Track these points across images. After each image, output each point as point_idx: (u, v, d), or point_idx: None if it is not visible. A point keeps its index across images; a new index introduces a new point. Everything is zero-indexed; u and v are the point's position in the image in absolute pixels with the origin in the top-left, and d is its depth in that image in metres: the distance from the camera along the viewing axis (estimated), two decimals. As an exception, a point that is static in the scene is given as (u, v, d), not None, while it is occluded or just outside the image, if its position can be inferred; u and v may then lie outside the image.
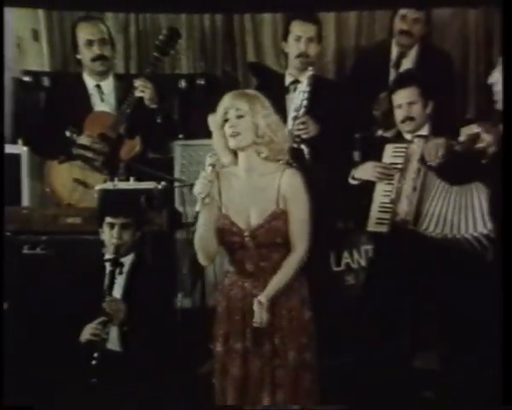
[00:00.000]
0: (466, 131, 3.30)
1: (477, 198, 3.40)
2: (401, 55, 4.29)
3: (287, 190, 2.74)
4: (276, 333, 2.76)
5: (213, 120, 2.91)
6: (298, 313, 2.79)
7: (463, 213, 3.43)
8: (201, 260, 2.83)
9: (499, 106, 3.40)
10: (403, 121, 3.48)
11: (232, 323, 2.83)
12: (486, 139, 3.28)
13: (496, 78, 3.62)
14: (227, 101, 2.78)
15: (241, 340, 2.79)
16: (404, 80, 3.64)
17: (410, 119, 3.47)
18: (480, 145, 3.27)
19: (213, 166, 2.78)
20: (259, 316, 2.76)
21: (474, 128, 3.28)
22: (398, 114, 3.51)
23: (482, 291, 3.43)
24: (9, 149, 4.25)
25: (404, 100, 3.49)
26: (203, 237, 2.75)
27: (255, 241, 2.73)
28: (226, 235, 2.74)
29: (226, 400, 2.82)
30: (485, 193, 3.39)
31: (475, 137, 3.26)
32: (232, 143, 2.72)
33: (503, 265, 2.83)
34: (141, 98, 4.01)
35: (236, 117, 2.72)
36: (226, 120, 2.73)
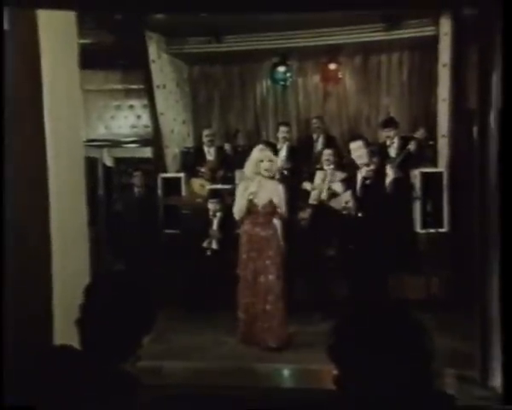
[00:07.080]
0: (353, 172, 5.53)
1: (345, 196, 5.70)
2: (317, 139, 7.47)
3: (279, 191, 4.81)
4: (269, 249, 4.80)
5: (253, 159, 4.81)
6: (277, 241, 4.90)
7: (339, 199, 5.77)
8: (237, 217, 4.91)
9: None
10: (326, 160, 6.26)
11: (248, 244, 4.85)
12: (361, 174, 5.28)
13: (355, 147, 5.51)
14: (264, 153, 4.82)
15: (251, 250, 4.85)
16: (329, 146, 6.74)
17: (329, 161, 6.25)
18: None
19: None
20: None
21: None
22: (324, 157, 6.27)
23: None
24: (177, 174, 7.22)
25: (328, 155, 6.29)
26: (241, 206, 4.77)
27: (263, 209, 4.78)
28: (250, 207, 4.76)
29: (244, 273, 4.81)
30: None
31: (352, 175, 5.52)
32: (266, 173, 4.69)
33: (501, 265, 3.03)
34: (225, 151, 7.26)
35: (268, 161, 4.76)
36: (261, 161, 4.72)
